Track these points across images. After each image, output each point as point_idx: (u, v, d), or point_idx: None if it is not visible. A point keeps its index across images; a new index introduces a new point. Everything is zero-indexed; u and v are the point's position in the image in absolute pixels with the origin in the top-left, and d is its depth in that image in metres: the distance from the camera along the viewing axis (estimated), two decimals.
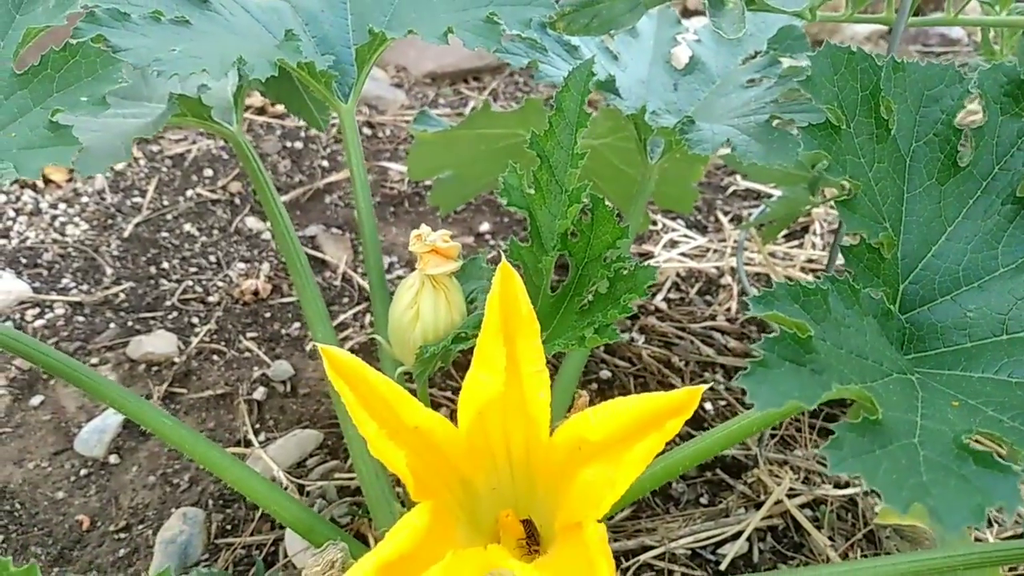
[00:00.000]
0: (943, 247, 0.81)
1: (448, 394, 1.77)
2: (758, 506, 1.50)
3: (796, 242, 2.21)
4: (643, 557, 1.41)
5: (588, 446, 0.68)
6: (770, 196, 2.32)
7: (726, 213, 2.37)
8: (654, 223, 2.32)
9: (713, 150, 1.09)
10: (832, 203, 1.74)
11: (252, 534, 1.50)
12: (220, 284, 2.18)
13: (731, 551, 1.43)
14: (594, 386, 1.80)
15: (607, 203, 0.97)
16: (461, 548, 0.72)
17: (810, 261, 2.12)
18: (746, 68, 1.46)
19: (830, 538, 1.45)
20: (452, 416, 0.82)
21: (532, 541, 0.80)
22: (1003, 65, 0.82)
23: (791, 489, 1.53)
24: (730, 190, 2.51)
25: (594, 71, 1.04)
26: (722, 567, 1.41)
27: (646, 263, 0.93)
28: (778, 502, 1.48)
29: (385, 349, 1.06)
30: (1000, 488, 0.56)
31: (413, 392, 1.24)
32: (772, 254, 2.13)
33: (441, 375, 1.81)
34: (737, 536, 1.45)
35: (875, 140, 0.79)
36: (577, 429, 0.70)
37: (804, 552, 1.44)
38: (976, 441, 0.58)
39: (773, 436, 1.63)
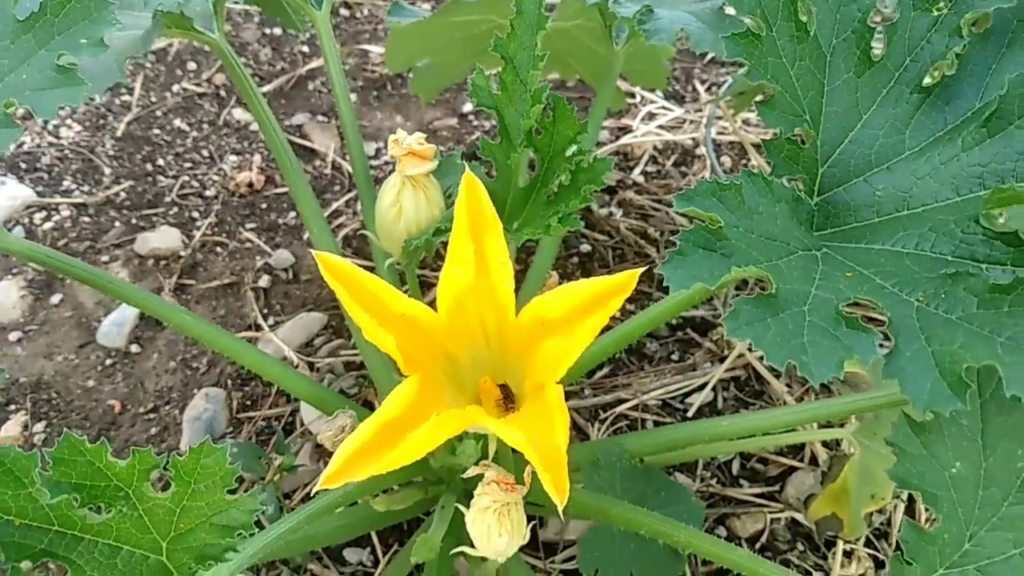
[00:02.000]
0: (858, 134, 0.91)
1: (438, 274, 1.90)
2: (722, 360, 1.66)
3: None
4: (619, 409, 1.59)
5: (547, 323, 0.82)
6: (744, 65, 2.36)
7: (703, 82, 2.42)
8: (632, 95, 2.37)
9: (670, 40, 1.16)
10: None
11: (270, 407, 1.68)
12: (215, 178, 2.27)
13: (697, 400, 1.60)
14: (575, 260, 1.93)
15: (566, 102, 1.05)
16: (447, 410, 0.87)
17: None
18: None
19: (787, 386, 1.62)
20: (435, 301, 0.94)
21: (508, 400, 0.95)
22: None
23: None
24: (708, 58, 2.54)
25: None
26: (689, 414, 1.59)
27: (610, 152, 1.03)
28: (740, 355, 1.64)
29: (375, 243, 1.18)
30: (860, 344, 0.69)
31: (402, 277, 1.36)
32: (746, 121, 2.20)
33: (433, 259, 1.93)
34: (703, 387, 1.62)
35: (796, 41, 0.87)
36: (538, 310, 0.83)
37: (764, 399, 1.62)
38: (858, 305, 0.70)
39: (736, 295, 1.77)
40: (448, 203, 1.15)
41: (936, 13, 0.88)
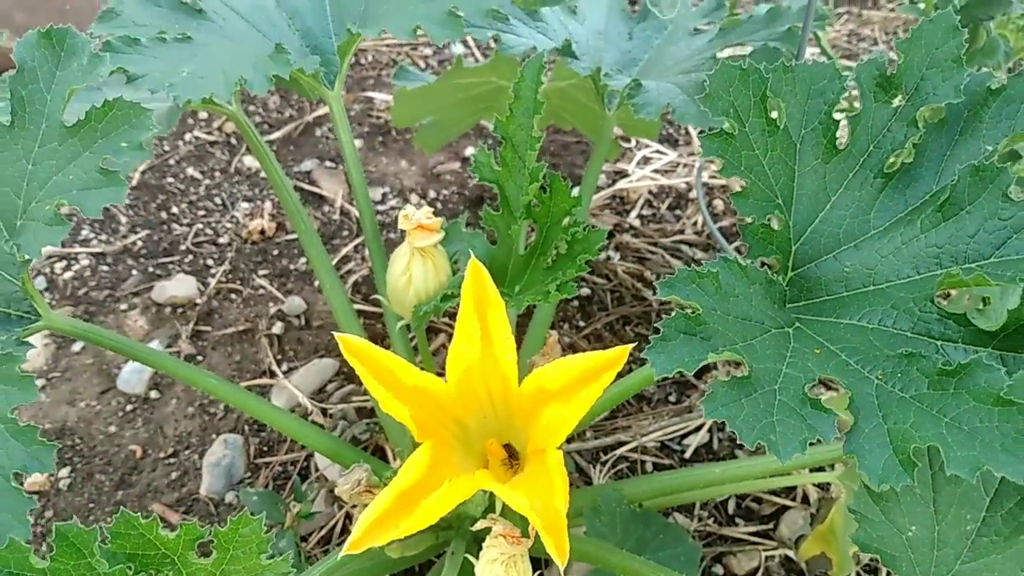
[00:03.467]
0: (827, 214, 0.99)
1: (447, 320, 1.99)
2: None
3: None
4: (619, 451, 1.66)
5: (547, 392, 0.90)
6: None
7: (695, 126, 2.51)
8: (627, 139, 2.47)
9: (656, 114, 1.26)
10: None
11: (286, 453, 1.76)
12: (228, 225, 2.36)
13: (694, 441, 1.68)
14: (575, 303, 2.01)
15: (561, 178, 1.14)
16: (458, 472, 0.95)
17: None
18: (695, 12, 1.59)
19: None
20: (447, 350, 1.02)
21: (512, 458, 1.03)
22: (875, 60, 0.97)
23: None
24: None
25: (550, 36, 1.19)
26: (686, 455, 1.66)
27: (596, 228, 1.11)
28: None
29: (387, 306, 1.26)
30: (822, 425, 0.77)
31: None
32: None
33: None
34: (699, 428, 1.69)
35: (767, 134, 0.96)
36: (539, 380, 0.91)
37: None
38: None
39: None
40: (454, 268, 1.24)
41: (895, 105, 0.97)
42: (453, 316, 1.98)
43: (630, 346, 0.86)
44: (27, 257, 0.97)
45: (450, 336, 1.93)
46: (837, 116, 0.96)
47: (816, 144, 0.98)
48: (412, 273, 1.17)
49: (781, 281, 0.93)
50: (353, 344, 0.89)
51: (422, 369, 0.93)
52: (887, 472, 0.73)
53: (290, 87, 1.56)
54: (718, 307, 0.84)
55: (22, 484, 1.30)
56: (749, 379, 0.80)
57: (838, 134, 0.98)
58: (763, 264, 0.96)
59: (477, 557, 1.01)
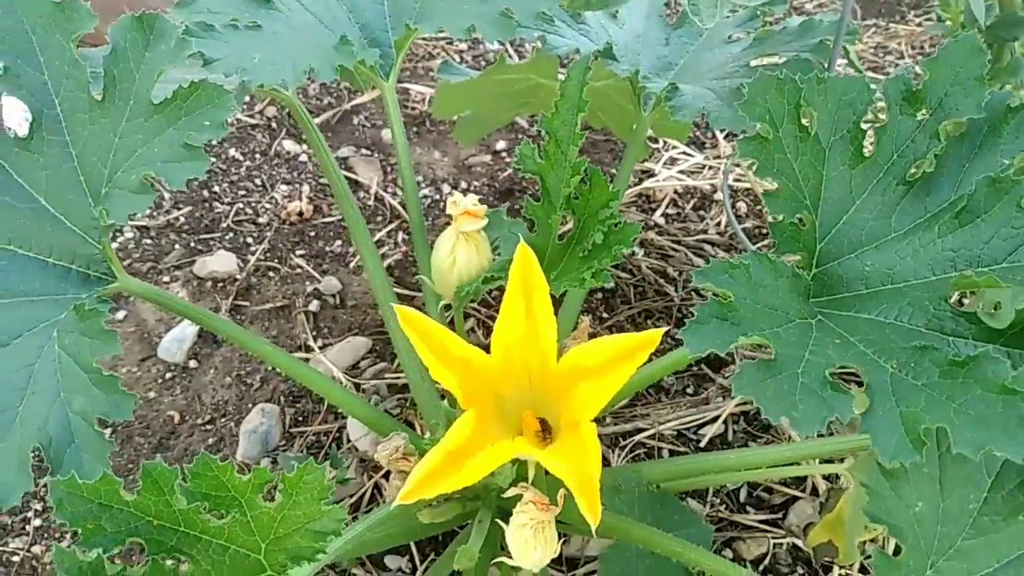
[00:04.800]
0: (851, 217, 1.07)
1: (475, 306, 2.07)
2: (734, 395, 1.81)
3: None
4: (637, 437, 1.74)
5: (583, 369, 0.98)
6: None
7: (722, 130, 2.58)
8: (655, 140, 2.54)
9: (691, 117, 1.33)
10: None
11: (320, 423, 1.84)
12: (267, 206, 2.45)
13: (709, 432, 1.75)
14: (599, 295, 2.09)
15: (601, 172, 1.22)
16: (496, 439, 1.03)
17: None
18: (730, 21, 1.66)
19: None
20: (486, 332, 1.09)
21: (545, 432, 1.11)
22: (902, 76, 1.05)
23: None
24: None
25: (592, 38, 1.26)
26: (702, 444, 1.74)
27: (629, 222, 1.18)
28: None
29: (429, 287, 1.34)
30: (840, 405, 0.85)
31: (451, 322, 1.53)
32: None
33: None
34: (715, 420, 1.77)
35: (799, 140, 1.03)
36: (577, 358, 0.99)
37: (770, 433, 1.76)
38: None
39: None
40: (494, 254, 1.32)
41: (919, 118, 1.05)
42: (484, 303, 2.06)
43: (662, 329, 0.94)
44: (111, 221, 1.06)
45: (479, 321, 2.02)
46: (864, 126, 1.04)
47: (844, 151, 1.05)
48: (457, 256, 1.25)
49: (806, 276, 1.01)
50: (409, 315, 0.97)
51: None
52: (898, 450, 0.81)
53: (342, 76, 1.64)
54: (748, 296, 0.91)
55: (104, 428, 1.40)
56: (775, 361, 0.87)
57: (864, 143, 1.05)
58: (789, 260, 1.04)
59: (502, 527, 1.09)
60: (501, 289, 1.17)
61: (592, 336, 1.99)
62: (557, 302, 1.88)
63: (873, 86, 1.04)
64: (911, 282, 1.01)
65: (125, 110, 1.09)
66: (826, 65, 1.30)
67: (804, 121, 1.03)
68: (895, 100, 1.05)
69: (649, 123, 1.66)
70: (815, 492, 1.66)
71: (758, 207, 2.29)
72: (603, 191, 1.22)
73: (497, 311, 1.02)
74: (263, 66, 1.14)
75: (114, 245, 2.29)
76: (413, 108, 2.84)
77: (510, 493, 1.11)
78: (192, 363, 2.04)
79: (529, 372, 1.05)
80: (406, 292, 2.13)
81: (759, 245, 2.15)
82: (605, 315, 2.06)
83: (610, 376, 0.95)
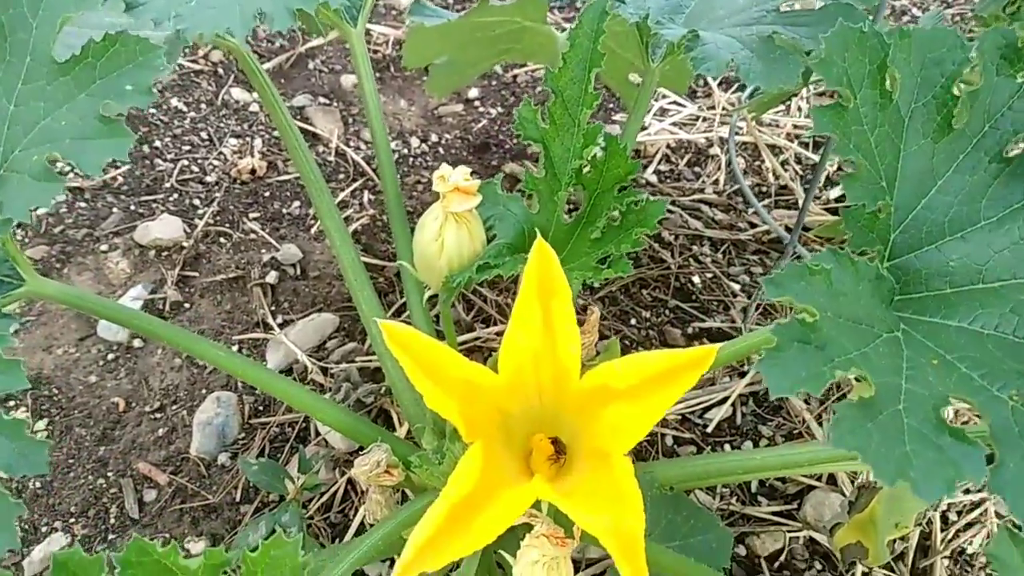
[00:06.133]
0: (932, 199, 0.89)
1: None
2: (742, 375, 1.66)
3: (782, 108, 2.25)
4: None
5: (613, 391, 0.80)
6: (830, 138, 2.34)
7: (715, 77, 2.38)
8: None
9: (719, 71, 1.13)
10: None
11: (283, 413, 1.65)
12: (216, 163, 2.20)
13: (717, 415, 1.60)
14: None
15: (618, 140, 1.02)
16: (505, 469, 0.85)
17: (796, 127, 2.18)
18: None
19: (805, 401, 1.63)
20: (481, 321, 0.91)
21: (559, 454, 0.93)
22: (1003, 29, 0.86)
23: None
24: None
25: None
26: (708, 430, 1.59)
27: (651, 198, 1.00)
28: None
29: (409, 274, 1.14)
30: (968, 462, 0.68)
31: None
32: (758, 121, 2.18)
33: None
34: (723, 402, 1.62)
35: (878, 108, 0.85)
36: (603, 378, 0.81)
37: (782, 415, 1.62)
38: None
39: (757, 308, 1.76)
40: (488, 235, 1.12)
41: (1020, 80, 0.86)
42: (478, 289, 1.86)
43: (716, 347, 0.76)
44: (6, 216, 0.82)
45: (469, 306, 1.81)
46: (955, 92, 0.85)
47: (927, 120, 0.87)
48: (445, 240, 1.05)
49: (890, 278, 0.83)
50: (399, 333, 0.77)
51: (444, 343, 0.82)
52: None
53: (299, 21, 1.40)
54: (829, 307, 0.73)
55: (9, 485, 1.17)
56: (874, 398, 0.70)
57: (954, 113, 0.87)
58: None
59: (509, 550, 0.93)
60: (497, 278, 0.98)
61: (582, 309, 1.82)
62: None
63: (969, 42, 0.85)
64: (1009, 282, 0.84)
65: (21, 70, 0.84)
66: (873, 10, 1.11)
67: (887, 85, 0.85)
68: (992, 58, 0.86)
69: (655, 75, 1.45)
70: (832, 480, 1.52)
71: (757, 163, 2.12)
72: (620, 161, 1.03)
73: (494, 294, 0.84)
74: (202, 10, 0.90)
75: (43, 210, 2.04)
76: (375, 51, 2.59)
77: (518, 521, 0.94)
78: (136, 342, 1.82)
79: (540, 388, 0.87)
80: (376, 261, 1.93)
81: (763, 204, 1.98)
82: (596, 285, 1.88)
83: (648, 401, 0.77)
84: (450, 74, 1.78)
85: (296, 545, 0.71)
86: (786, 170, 2.06)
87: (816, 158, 2.04)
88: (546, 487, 0.78)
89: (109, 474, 1.61)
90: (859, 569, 1.40)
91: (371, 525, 1.18)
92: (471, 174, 1.03)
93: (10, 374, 0.77)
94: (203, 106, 2.36)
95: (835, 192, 2.01)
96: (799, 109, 2.23)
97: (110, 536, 1.52)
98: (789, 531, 1.47)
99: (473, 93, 2.45)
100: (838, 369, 0.69)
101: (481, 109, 2.43)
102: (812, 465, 1.19)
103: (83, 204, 2.06)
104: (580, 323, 1.16)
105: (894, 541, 1.38)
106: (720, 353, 1.09)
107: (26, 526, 1.55)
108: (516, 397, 0.87)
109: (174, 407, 1.72)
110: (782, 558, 1.45)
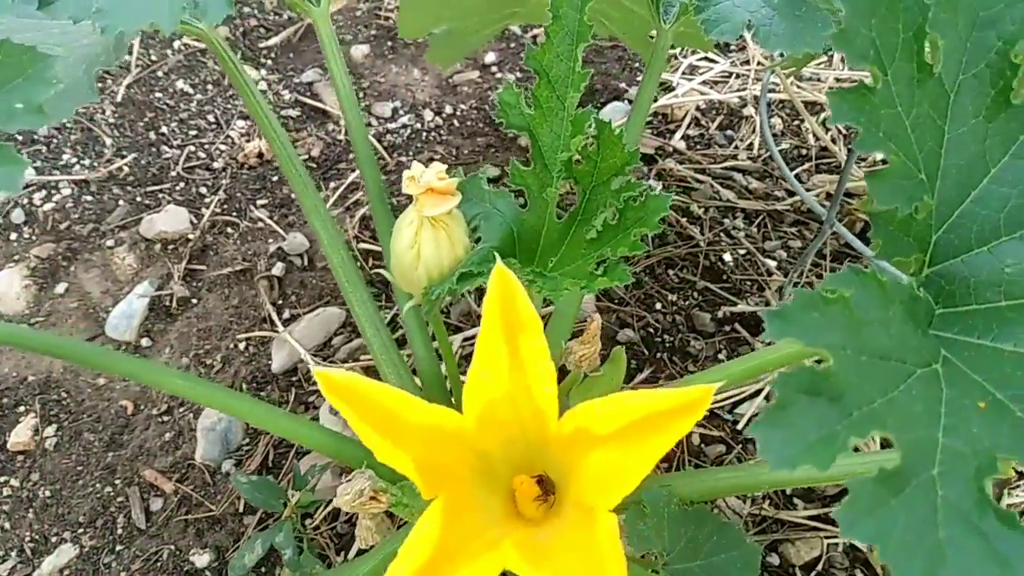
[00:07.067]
0: (984, 191, 0.72)
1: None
2: None
3: (824, 59, 2.05)
4: None
5: (595, 438, 0.68)
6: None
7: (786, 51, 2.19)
8: (672, 46, 2.16)
9: (734, 35, 0.98)
10: None
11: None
12: (223, 147, 2.12)
13: (748, 409, 1.47)
14: None
15: (612, 126, 0.89)
16: (479, 518, 0.75)
17: (838, 81, 1.98)
18: None
19: None
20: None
21: (547, 492, 0.82)
22: None
23: None
24: None
25: None
26: (739, 426, 1.46)
27: (657, 193, 0.86)
28: None
29: (395, 282, 1.03)
30: (1018, 555, 0.52)
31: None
32: (797, 77, 1.99)
33: None
34: (755, 395, 1.48)
35: (916, 85, 0.68)
36: (583, 420, 0.69)
37: None
38: None
39: (795, 287, 1.61)
40: (474, 237, 1.00)
41: None
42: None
43: (713, 386, 0.63)
44: None
45: (480, 295, 1.70)
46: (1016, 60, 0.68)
47: (978, 95, 0.70)
48: (421, 247, 0.93)
49: (926, 296, 0.67)
50: (337, 383, 0.67)
51: (440, 358, 0.71)
52: None
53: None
54: (850, 344, 0.59)
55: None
56: (901, 466, 0.55)
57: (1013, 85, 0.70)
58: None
59: None
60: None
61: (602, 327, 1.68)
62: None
63: None
64: None
65: None
66: None
67: (926, 56, 0.69)
68: None
69: (671, 35, 1.30)
70: None
71: (796, 123, 1.94)
72: (616, 151, 0.90)
73: None
74: (124, 2, 0.78)
75: (49, 205, 1.99)
76: (387, 19, 2.45)
77: None
78: (144, 341, 1.77)
79: (522, 426, 0.76)
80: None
81: (797, 172, 1.81)
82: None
83: (633, 450, 0.65)
84: (451, 43, 1.64)
85: None
86: (827, 130, 1.88)
87: None
88: (514, 554, 0.67)
89: (117, 482, 1.57)
90: None
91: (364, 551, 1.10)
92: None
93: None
94: (210, 87, 2.27)
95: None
96: (843, 60, 2.03)
97: (117, 547, 1.48)
98: (827, 537, 1.34)
99: (490, 58, 2.31)
100: (856, 428, 0.56)
101: (499, 75, 2.28)
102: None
103: (89, 197, 2.00)
104: (580, 332, 1.04)
105: None
106: (734, 370, 0.97)
107: (36, 536, 1.52)
108: (491, 437, 0.76)
109: (181, 409, 1.66)
110: (819, 567, 1.33)
